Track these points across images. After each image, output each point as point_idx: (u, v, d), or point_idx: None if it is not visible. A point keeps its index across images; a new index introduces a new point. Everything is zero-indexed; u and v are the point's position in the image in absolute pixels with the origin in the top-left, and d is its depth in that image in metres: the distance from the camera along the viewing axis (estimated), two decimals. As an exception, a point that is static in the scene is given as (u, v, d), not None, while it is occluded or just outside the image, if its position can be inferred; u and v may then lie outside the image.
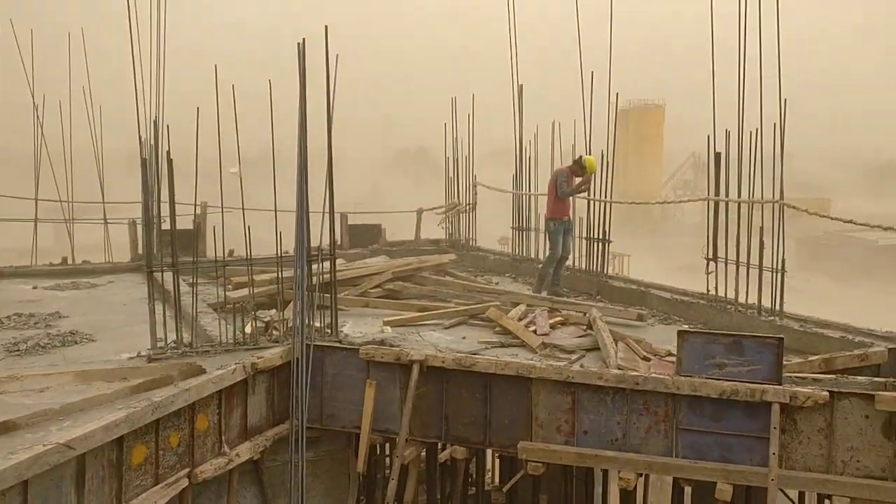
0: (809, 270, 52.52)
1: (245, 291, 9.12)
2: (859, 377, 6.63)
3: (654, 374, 6.51)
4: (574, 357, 7.87)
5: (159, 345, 7.39)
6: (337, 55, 7.46)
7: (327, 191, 7.68)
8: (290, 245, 7.73)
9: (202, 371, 6.56)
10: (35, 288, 12.17)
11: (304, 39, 7.26)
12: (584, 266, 12.32)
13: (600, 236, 11.92)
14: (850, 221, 9.77)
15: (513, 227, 14.54)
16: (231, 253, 10.67)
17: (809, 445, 6.05)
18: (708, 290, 9.63)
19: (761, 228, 8.88)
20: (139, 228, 13.85)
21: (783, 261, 8.69)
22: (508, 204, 14.65)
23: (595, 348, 8.16)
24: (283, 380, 7.27)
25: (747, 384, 6.11)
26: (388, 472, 8.25)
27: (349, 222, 15.93)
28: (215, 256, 8.08)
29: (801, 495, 7.23)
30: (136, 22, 9.63)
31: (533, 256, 13.90)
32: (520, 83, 14.13)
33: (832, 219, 10.31)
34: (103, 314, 10.06)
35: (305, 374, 7.19)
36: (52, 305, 10.54)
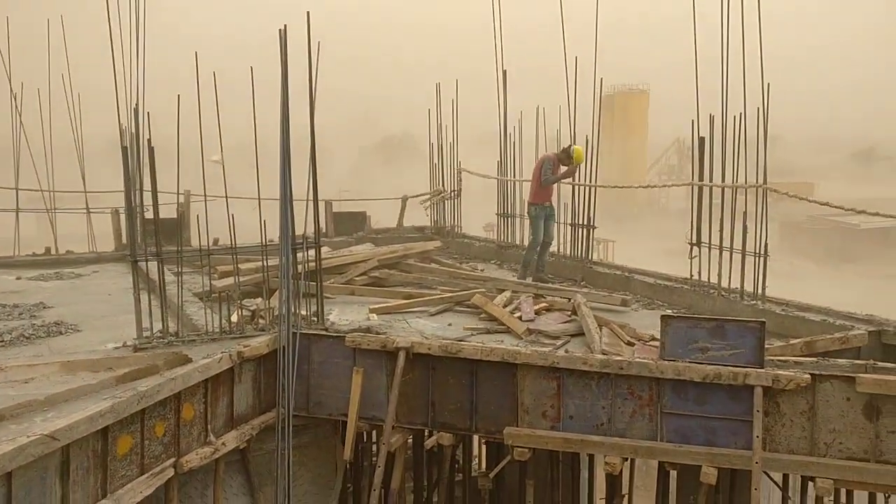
0: (792, 254, 52.86)
1: (230, 280, 9.09)
2: (840, 360, 6.69)
3: (638, 359, 6.54)
4: (559, 343, 7.90)
5: (145, 334, 7.36)
6: (319, 41, 7.42)
7: (311, 178, 7.65)
8: (274, 233, 7.70)
9: (188, 360, 6.54)
10: (18, 278, 12.09)
11: (285, 26, 7.21)
12: (568, 252, 12.35)
13: (585, 222, 11.95)
14: (831, 205, 9.82)
15: (498, 214, 14.56)
16: (216, 242, 10.64)
17: (792, 428, 6.11)
18: (691, 275, 9.68)
19: (745, 213, 8.92)
20: (122, 217, 13.76)
21: (766, 245, 8.74)
22: (493, 190, 14.65)
23: (580, 334, 8.19)
24: (269, 368, 7.27)
25: (730, 368, 6.16)
26: (374, 459, 8.27)
27: (334, 210, 15.90)
28: (200, 245, 8.04)
29: (785, 477, 7.29)
30: (115, 7, 9.55)
31: (518, 243, 13.93)
32: (504, 68, 14.12)
33: (815, 203, 10.34)
34: (88, 304, 10.01)
35: (292, 363, 7.19)
36: (37, 296, 10.47)
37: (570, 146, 11.55)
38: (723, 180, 9.26)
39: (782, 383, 6.00)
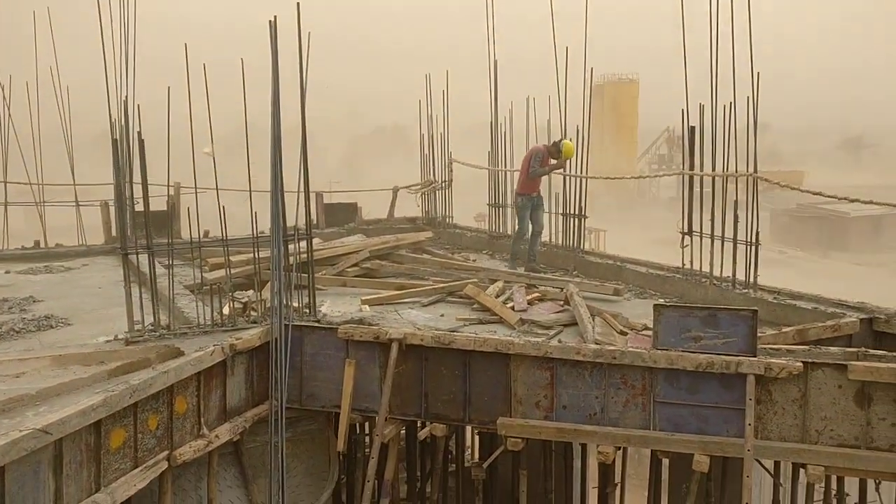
0: (782, 243, 53.11)
1: (221, 272, 9.07)
2: (832, 348, 6.72)
3: (631, 349, 6.56)
4: (552, 332, 7.91)
5: (136, 328, 7.33)
6: (309, 32, 7.37)
7: (302, 169, 7.62)
8: (265, 225, 7.67)
9: (180, 353, 6.52)
10: (7, 272, 12.01)
11: (275, 17, 7.16)
12: (560, 242, 12.36)
13: (576, 212, 11.96)
14: (824, 194, 9.85)
15: (489, 204, 14.54)
16: (206, 234, 10.60)
17: (784, 416, 6.14)
18: (683, 265, 9.70)
19: (735, 202, 8.94)
20: (112, 210, 13.69)
21: (757, 234, 8.76)
22: (484, 180, 14.64)
23: (572, 323, 8.21)
24: (261, 360, 7.26)
25: (723, 356, 6.18)
26: (367, 450, 8.28)
27: (324, 201, 15.85)
28: (190, 238, 8.01)
29: (777, 465, 7.33)
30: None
31: (510, 233, 13.90)
32: (495, 59, 14.07)
33: (808, 192, 10.36)
34: (78, 298, 9.95)
35: (284, 355, 7.17)
36: (26, 290, 10.40)
37: (560, 140, 11.58)
38: (713, 169, 9.28)
39: (774, 371, 6.03)
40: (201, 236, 8.53)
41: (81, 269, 12.51)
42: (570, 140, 11.69)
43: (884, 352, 6.49)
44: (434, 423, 7.31)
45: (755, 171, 8.95)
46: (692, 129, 9.38)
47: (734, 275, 8.99)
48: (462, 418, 7.07)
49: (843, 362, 6.00)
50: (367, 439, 10.49)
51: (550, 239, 12.48)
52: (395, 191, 16.63)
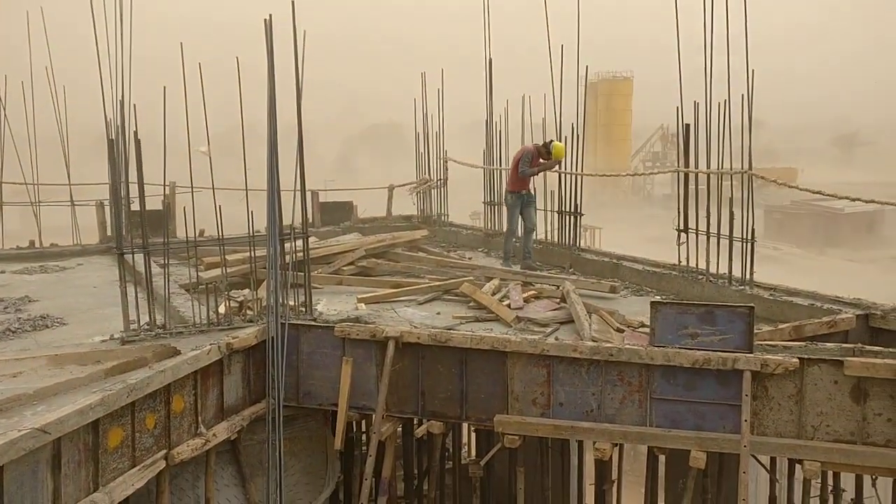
0: (776, 239, 53.22)
1: (217, 271, 9.06)
2: (828, 344, 6.75)
3: (628, 346, 6.58)
4: (548, 330, 7.92)
5: (132, 327, 7.33)
6: (304, 31, 7.38)
7: (298, 168, 7.62)
8: (261, 224, 7.67)
9: (176, 352, 6.52)
10: (3, 272, 11.99)
11: (270, 16, 7.17)
12: (556, 239, 12.38)
13: (572, 209, 11.98)
14: (823, 194, 9.85)
15: (484, 202, 14.55)
16: (202, 233, 10.59)
17: (780, 412, 6.16)
18: (679, 262, 9.72)
19: (731, 199, 8.96)
20: (107, 210, 13.66)
21: (753, 230, 8.78)
22: (480, 178, 14.64)
23: (569, 321, 8.22)
24: (258, 359, 7.26)
25: (719, 353, 6.20)
26: (364, 448, 8.28)
27: (320, 200, 15.85)
28: (186, 237, 8.00)
29: (773, 461, 7.36)
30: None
31: (505, 231, 13.92)
32: (490, 57, 14.08)
33: (807, 190, 10.37)
34: (74, 297, 9.94)
35: (281, 353, 7.17)
36: (22, 289, 10.39)
37: (550, 141, 11.61)
38: (708, 167, 9.30)
39: (771, 367, 6.05)
40: (197, 235, 8.52)
41: (76, 268, 12.50)
42: (561, 141, 11.73)
43: (880, 348, 6.52)
44: (431, 420, 7.32)
45: (750, 168, 8.97)
46: (687, 127, 9.40)
47: (730, 272, 9.01)
48: (459, 416, 7.08)
49: (840, 358, 6.03)
50: (363, 437, 10.51)
51: (546, 236, 12.50)
52: (391, 189, 16.63)
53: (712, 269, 9.21)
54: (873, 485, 7.14)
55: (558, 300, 9.12)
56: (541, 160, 11.61)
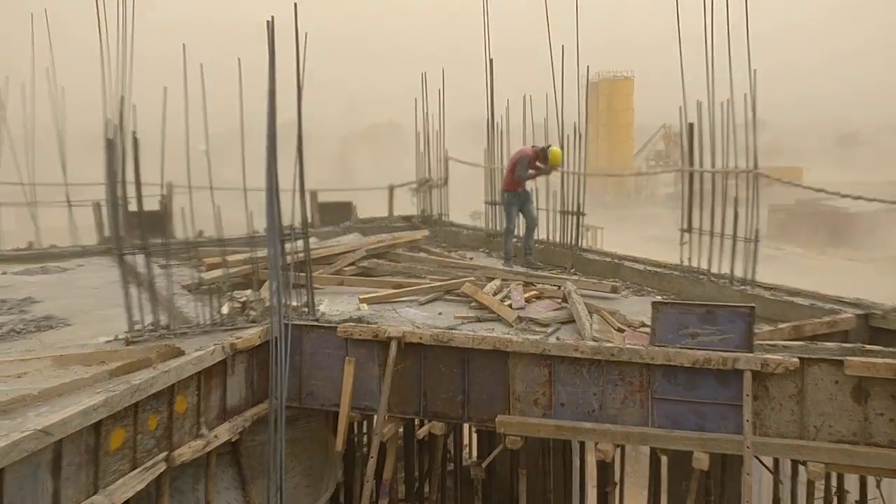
0: (779, 239, 53.14)
1: (219, 272, 9.05)
2: (829, 343, 6.73)
3: (629, 346, 6.56)
4: (550, 330, 7.91)
5: (136, 327, 7.31)
6: (306, 32, 7.37)
7: (297, 169, 7.61)
8: (259, 224, 7.66)
9: (180, 353, 6.51)
10: (4, 273, 11.99)
11: (272, 17, 7.15)
12: (558, 239, 12.37)
13: (574, 209, 11.96)
14: (827, 191, 9.82)
15: (485, 202, 14.54)
16: (200, 234, 10.58)
17: (781, 412, 6.14)
18: (681, 261, 9.70)
19: (735, 198, 8.94)
20: (104, 210, 13.63)
21: (757, 231, 8.76)
22: (480, 178, 14.62)
23: (570, 321, 8.20)
24: (261, 360, 7.25)
25: (720, 353, 6.19)
26: (365, 450, 8.27)
27: (319, 200, 15.83)
28: (186, 237, 7.99)
29: (777, 462, 7.35)
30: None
31: (504, 230, 13.90)
32: (491, 57, 14.06)
33: (811, 189, 10.35)
34: (76, 298, 9.93)
35: (284, 354, 7.17)
36: (24, 291, 10.38)
37: (548, 147, 11.60)
38: (712, 166, 9.28)
39: (771, 367, 6.04)
40: (196, 236, 8.51)
41: (77, 269, 12.49)
42: (561, 144, 11.71)
43: (881, 347, 6.50)
44: (433, 421, 7.30)
45: (755, 167, 8.95)
46: (690, 126, 9.38)
47: (732, 271, 9.00)
48: (461, 416, 7.07)
49: (840, 357, 6.01)
50: (364, 439, 10.49)
51: (547, 236, 12.49)
52: (392, 189, 16.62)
53: (714, 269, 9.20)
54: (878, 486, 7.13)
55: (560, 300, 9.10)
56: (538, 163, 11.62)
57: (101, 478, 5.35)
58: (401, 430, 8.31)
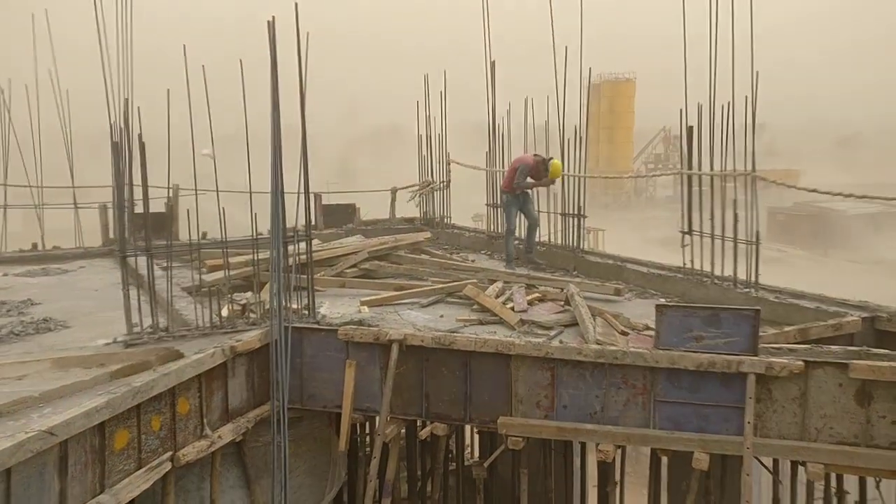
0: (780, 241, 53.15)
1: (220, 274, 9.06)
2: (833, 346, 6.73)
3: (633, 349, 6.57)
4: (552, 333, 7.91)
5: (135, 330, 7.33)
6: (308, 33, 7.38)
7: (302, 171, 7.63)
8: (263, 226, 7.67)
9: (180, 356, 6.52)
10: (5, 275, 12.00)
11: (273, 18, 7.17)
12: (560, 241, 12.38)
13: (575, 211, 11.98)
14: (831, 193, 9.82)
15: (487, 204, 14.55)
16: (204, 235, 10.59)
17: (784, 414, 6.16)
18: (684, 264, 9.71)
19: (734, 201, 8.95)
20: (110, 212, 13.67)
21: (757, 233, 8.78)
22: (482, 180, 14.64)
23: (573, 324, 8.20)
24: (262, 362, 7.26)
25: (724, 356, 6.19)
26: (368, 450, 8.29)
27: (322, 202, 15.85)
28: (189, 239, 8.01)
29: (776, 463, 7.36)
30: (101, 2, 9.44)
31: (505, 231, 13.92)
32: (492, 59, 14.08)
33: (814, 191, 10.35)
34: (76, 300, 9.94)
35: (285, 356, 7.18)
36: (24, 292, 10.39)
37: (549, 159, 11.63)
38: (711, 168, 9.29)
39: (776, 370, 6.05)
40: (200, 238, 8.53)
41: (78, 271, 12.51)
42: (563, 144, 11.75)
43: (886, 350, 6.50)
44: (435, 422, 7.32)
45: (753, 169, 8.97)
46: (690, 129, 9.40)
47: (735, 274, 9.00)
48: (463, 418, 7.09)
49: (845, 361, 6.02)
50: (367, 439, 10.51)
51: (550, 238, 12.50)
52: (394, 191, 16.63)
53: (717, 272, 9.21)
54: (877, 487, 7.14)
55: (562, 303, 9.11)
56: (539, 172, 11.67)
57: (108, 477, 5.39)
58: (403, 430, 8.32)
